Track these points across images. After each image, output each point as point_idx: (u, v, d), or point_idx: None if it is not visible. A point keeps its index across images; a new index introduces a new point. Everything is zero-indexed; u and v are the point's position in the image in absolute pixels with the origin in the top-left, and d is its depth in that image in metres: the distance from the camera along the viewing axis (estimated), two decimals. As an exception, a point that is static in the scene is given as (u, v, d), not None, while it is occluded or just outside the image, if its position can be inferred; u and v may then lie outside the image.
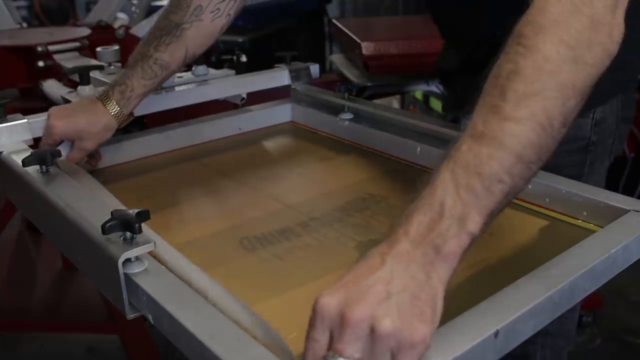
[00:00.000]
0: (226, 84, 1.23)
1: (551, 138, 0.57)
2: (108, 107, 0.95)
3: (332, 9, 4.21)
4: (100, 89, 1.00)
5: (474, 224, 0.54)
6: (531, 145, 0.56)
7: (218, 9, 1.01)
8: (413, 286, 0.50)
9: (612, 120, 1.03)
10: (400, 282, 0.50)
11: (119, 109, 0.95)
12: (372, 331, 0.48)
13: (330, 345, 0.50)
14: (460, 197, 0.54)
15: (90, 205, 0.75)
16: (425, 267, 0.52)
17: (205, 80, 1.22)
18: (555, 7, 0.59)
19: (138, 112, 1.12)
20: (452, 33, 1.15)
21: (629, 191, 2.29)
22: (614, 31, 0.61)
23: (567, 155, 0.98)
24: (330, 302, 0.50)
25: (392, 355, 0.49)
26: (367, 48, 1.84)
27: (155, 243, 0.66)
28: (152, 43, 0.97)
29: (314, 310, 0.51)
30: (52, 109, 0.96)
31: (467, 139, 0.58)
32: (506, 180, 0.55)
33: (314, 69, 1.29)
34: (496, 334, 0.56)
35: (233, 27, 2.07)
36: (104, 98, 0.96)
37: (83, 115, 0.95)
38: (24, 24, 1.97)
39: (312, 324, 0.51)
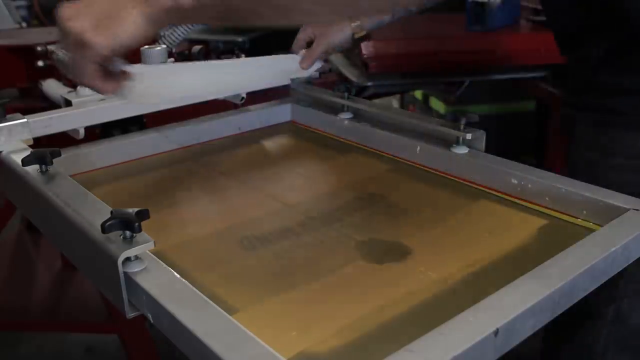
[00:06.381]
0: (226, 84, 1.23)
1: None
2: None
3: (332, 9, 4.19)
4: None
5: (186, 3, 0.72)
6: None
7: None
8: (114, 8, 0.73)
9: None
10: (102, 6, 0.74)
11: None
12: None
13: None
14: None
15: (89, 204, 0.75)
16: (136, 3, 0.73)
17: (205, 80, 1.22)
18: None
19: (137, 112, 1.12)
20: None
21: None
22: None
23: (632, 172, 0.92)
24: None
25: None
26: (366, 48, 1.84)
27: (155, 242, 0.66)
28: None
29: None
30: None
31: None
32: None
33: (314, 68, 1.29)
34: (496, 332, 0.56)
35: (233, 27, 2.06)
36: None
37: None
38: (24, 24, 1.97)
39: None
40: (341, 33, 1.12)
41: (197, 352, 0.55)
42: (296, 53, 1.15)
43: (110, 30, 0.72)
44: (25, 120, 0.99)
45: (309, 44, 1.16)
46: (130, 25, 0.73)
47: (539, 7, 2.09)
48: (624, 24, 0.88)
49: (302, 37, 1.13)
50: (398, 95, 2.95)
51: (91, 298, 1.77)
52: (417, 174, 1.02)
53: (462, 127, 1.00)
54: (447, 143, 1.02)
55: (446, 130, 1.03)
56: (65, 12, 0.74)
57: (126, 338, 1.71)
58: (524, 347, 0.65)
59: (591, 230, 0.78)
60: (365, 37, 1.13)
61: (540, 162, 2.20)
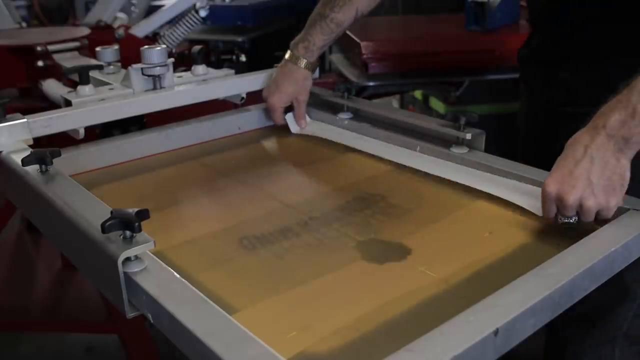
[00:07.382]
0: (226, 84, 1.23)
1: None
2: (299, 64, 1.19)
3: (332, 9, 4.19)
4: (287, 53, 1.21)
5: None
6: None
7: None
8: (607, 171, 0.76)
9: None
10: (598, 170, 0.76)
11: (306, 60, 1.19)
12: (581, 206, 0.77)
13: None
14: None
15: (89, 204, 0.75)
16: (616, 154, 0.77)
17: (205, 80, 1.22)
18: None
19: (138, 112, 1.12)
20: None
21: None
22: None
23: None
24: (552, 191, 0.78)
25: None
26: (366, 48, 1.84)
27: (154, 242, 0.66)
28: (328, 4, 1.18)
29: (543, 193, 0.79)
30: (265, 90, 1.21)
31: None
32: None
33: (314, 68, 1.29)
34: (496, 332, 0.56)
35: (233, 27, 2.06)
36: (293, 59, 1.20)
37: (286, 82, 1.19)
38: (24, 24, 1.96)
39: (543, 203, 0.80)
40: (307, 87, 1.21)
41: (197, 352, 0.55)
42: (282, 122, 1.22)
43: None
44: (25, 120, 0.99)
45: (286, 109, 1.23)
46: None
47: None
48: None
49: (278, 110, 1.21)
50: (398, 95, 2.95)
51: (91, 298, 1.77)
52: (417, 174, 1.02)
53: (462, 127, 1.00)
54: (447, 143, 1.02)
55: (446, 130, 1.03)
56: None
57: (126, 338, 1.71)
58: (525, 347, 0.65)
59: (591, 230, 0.77)
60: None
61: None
